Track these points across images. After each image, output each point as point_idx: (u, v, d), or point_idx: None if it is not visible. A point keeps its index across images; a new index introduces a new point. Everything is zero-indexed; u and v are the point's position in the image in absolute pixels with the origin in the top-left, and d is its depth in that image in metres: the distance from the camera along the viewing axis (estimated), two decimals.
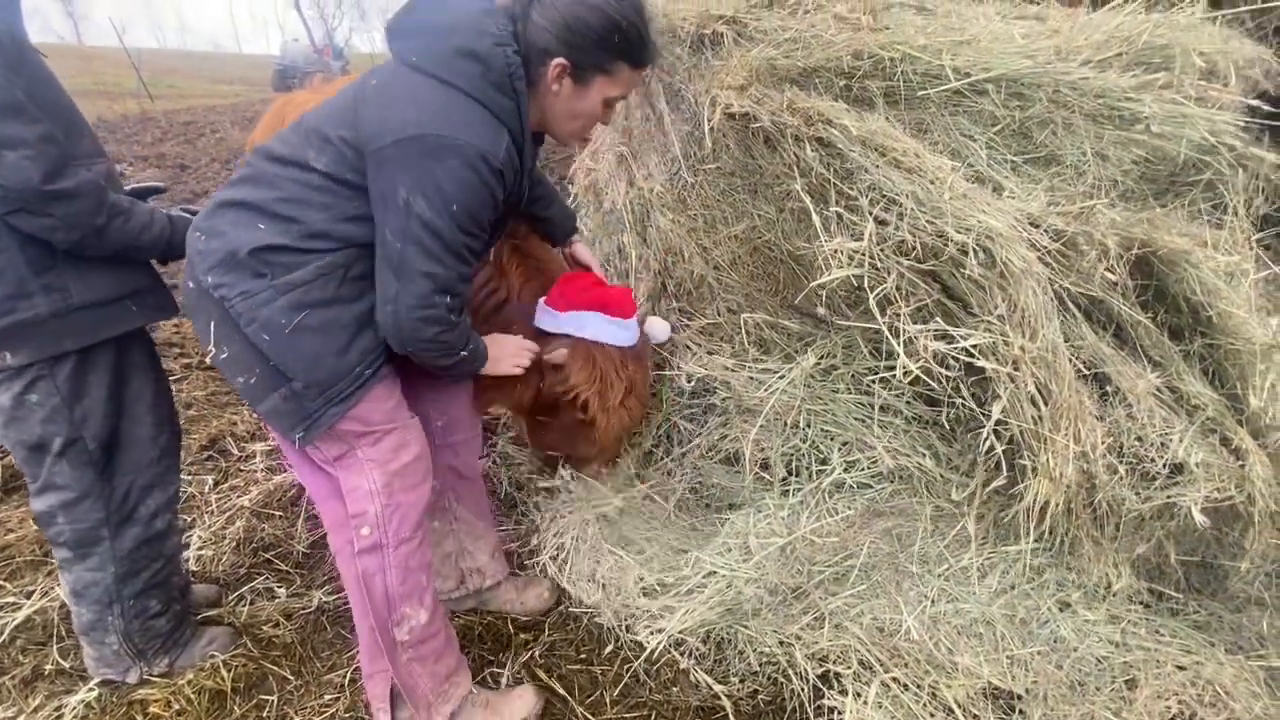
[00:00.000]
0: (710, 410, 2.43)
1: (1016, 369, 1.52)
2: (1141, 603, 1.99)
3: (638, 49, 1.36)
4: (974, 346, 1.52)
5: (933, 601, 2.00)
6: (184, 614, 1.89)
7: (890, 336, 1.55)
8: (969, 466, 2.05)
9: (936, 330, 1.55)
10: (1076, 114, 1.72)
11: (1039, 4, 2.39)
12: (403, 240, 1.26)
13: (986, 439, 1.54)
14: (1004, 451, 1.56)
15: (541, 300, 2.01)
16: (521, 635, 2.04)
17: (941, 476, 2.08)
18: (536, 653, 1.98)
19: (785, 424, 2.19)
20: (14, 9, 1.31)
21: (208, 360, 1.38)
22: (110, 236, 1.43)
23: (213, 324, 1.33)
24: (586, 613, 2.11)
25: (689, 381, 2.40)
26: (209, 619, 2.02)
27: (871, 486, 2.18)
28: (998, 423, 1.57)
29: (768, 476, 2.22)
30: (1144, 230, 1.69)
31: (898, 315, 1.59)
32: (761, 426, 2.23)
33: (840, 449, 2.18)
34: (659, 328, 2.28)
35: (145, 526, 1.71)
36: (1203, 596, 2.04)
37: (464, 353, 1.46)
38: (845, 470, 2.16)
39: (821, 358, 2.15)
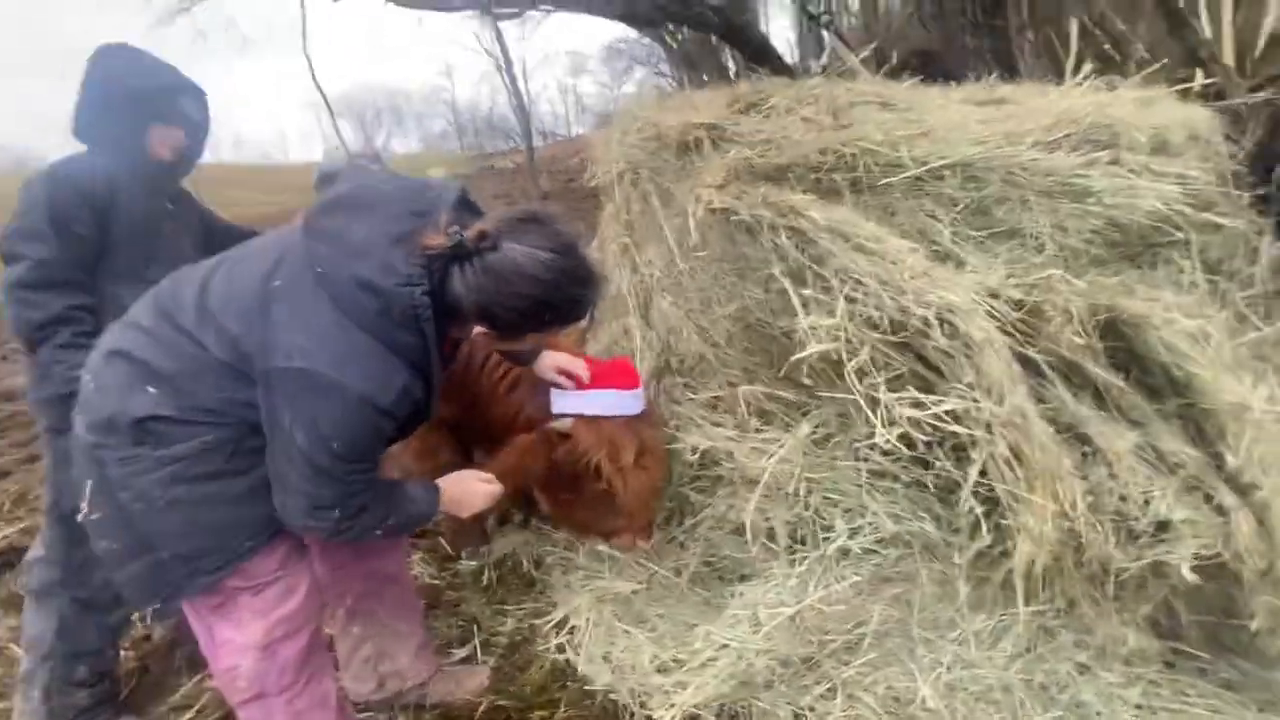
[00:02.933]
0: (718, 481, 2.53)
1: (989, 432, 1.62)
2: (1165, 662, 1.98)
3: (569, 313, 1.32)
4: (946, 412, 1.63)
5: (948, 668, 2.02)
6: (107, 696, 1.92)
7: (865, 405, 1.67)
8: (970, 530, 2.10)
9: (910, 398, 1.67)
10: (1030, 191, 1.89)
11: (1012, 84, 2.61)
12: (286, 461, 1.23)
13: (965, 501, 1.63)
14: (985, 513, 1.64)
15: (551, 389, 2.18)
16: (537, 713, 2.10)
17: (944, 540, 2.14)
18: None
19: (787, 493, 2.28)
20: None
21: (79, 518, 1.32)
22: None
23: (89, 484, 1.27)
24: (601, 690, 2.17)
25: (694, 453, 2.52)
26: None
27: (877, 552, 2.24)
28: (981, 485, 1.66)
29: (774, 546, 2.29)
30: (1108, 296, 1.80)
31: (875, 386, 1.71)
32: (765, 496, 2.32)
33: (843, 516, 2.25)
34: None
35: (93, 593, 1.82)
36: (1232, 654, 2.01)
37: (390, 522, 1.40)
38: (850, 537, 2.22)
39: (817, 426, 2.26)
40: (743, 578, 2.36)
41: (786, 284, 1.89)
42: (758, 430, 2.44)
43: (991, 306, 1.69)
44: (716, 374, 2.60)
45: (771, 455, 2.30)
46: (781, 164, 2.08)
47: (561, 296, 1.26)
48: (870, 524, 2.21)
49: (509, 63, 8.43)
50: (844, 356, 1.74)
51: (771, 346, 2.34)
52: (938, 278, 1.70)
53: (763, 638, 2.08)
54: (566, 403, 2.14)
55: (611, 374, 2.18)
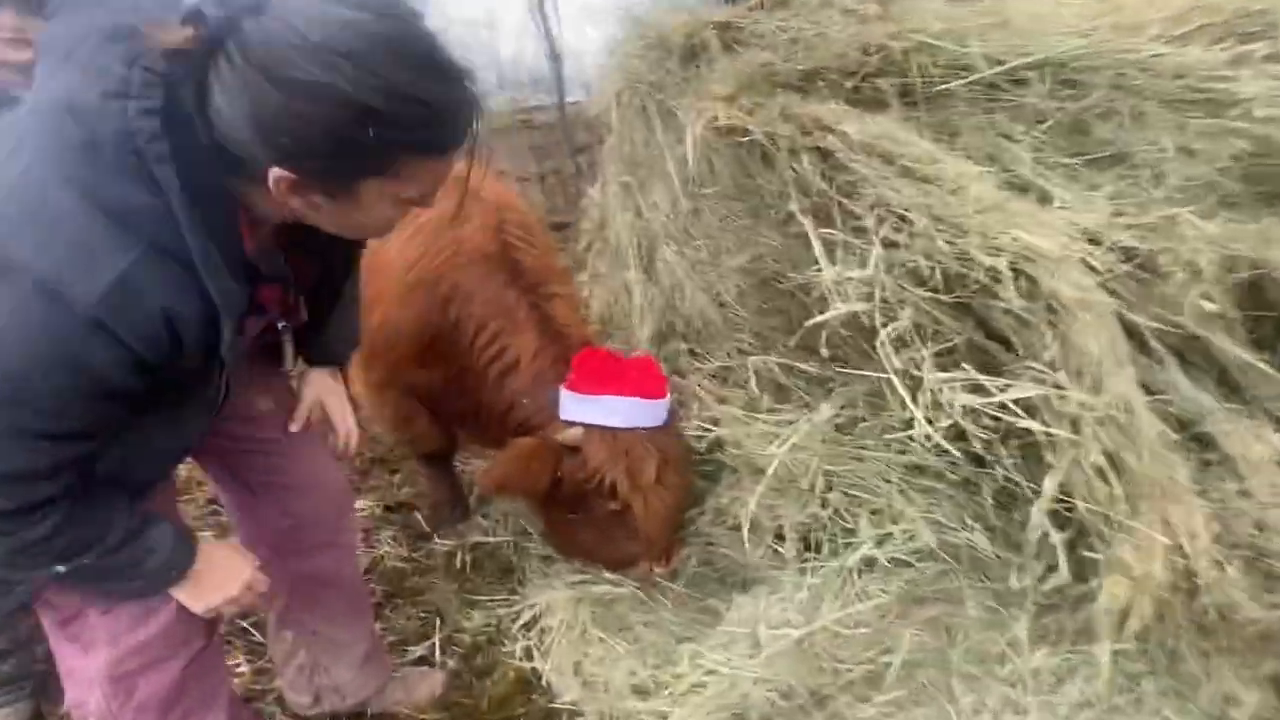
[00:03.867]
0: (722, 469, 2.12)
1: (1076, 431, 1.16)
2: None
3: (413, 127, 0.79)
4: (1016, 401, 1.17)
5: (995, 715, 1.60)
6: (21, 671, 1.82)
7: (903, 387, 1.22)
8: (1036, 548, 1.64)
9: (966, 380, 1.22)
10: (1147, 101, 1.36)
11: None
12: None
13: (1036, 526, 1.18)
14: (1066, 541, 1.19)
15: (562, 388, 1.80)
16: None
17: (998, 557, 1.69)
18: None
19: (802, 487, 1.85)
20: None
21: None
22: None
23: None
24: (567, 708, 1.82)
25: (699, 440, 2.11)
26: None
27: (911, 565, 1.81)
28: (1061, 501, 1.21)
29: (782, 551, 1.88)
30: (1253, 246, 1.29)
31: (918, 361, 1.26)
32: (774, 490, 1.90)
33: (870, 519, 1.82)
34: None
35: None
36: None
37: (91, 563, 0.95)
38: (877, 545, 1.79)
39: (841, 408, 1.81)
40: (745, 585, 1.96)
41: (806, 224, 1.43)
42: (770, 410, 2.01)
43: (1090, 255, 1.20)
44: (725, 340, 2.17)
45: (784, 440, 1.87)
46: (810, 69, 1.59)
47: (385, 89, 0.74)
48: (905, 531, 1.77)
49: (540, 3, 7.82)
50: (877, 321, 1.29)
51: (789, 306, 1.88)
52: (1015, 214, 1.22)
53: (762, 663, 1.70)
54: (578, 409, 1.77)
55: (633, 376, 1.80)
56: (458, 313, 1.93)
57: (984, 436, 1.24)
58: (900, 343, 1.30)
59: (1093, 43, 1.44)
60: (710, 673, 1.73)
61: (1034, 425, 1.18)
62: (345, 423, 1.44)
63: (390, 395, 2.20)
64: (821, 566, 1.82)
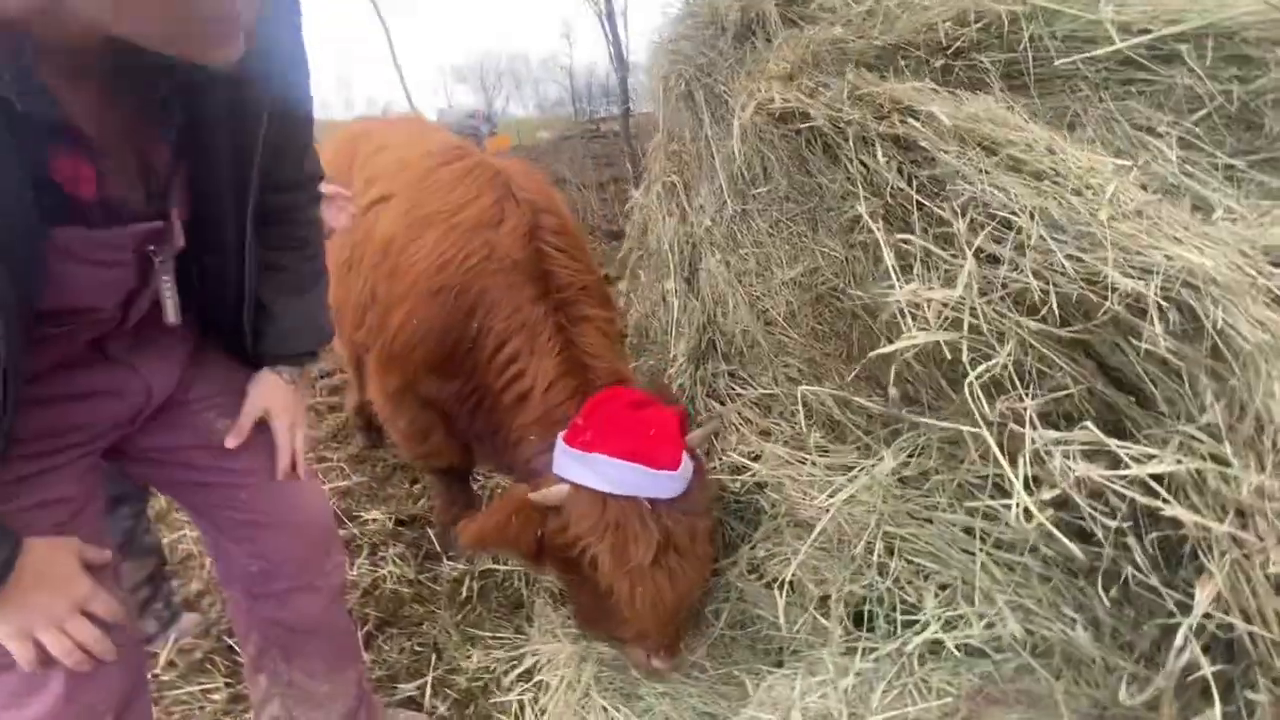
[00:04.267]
0: (760, 514, 1.82)
1: (1243, 523, 0.82)
2: None
3: None
4: (1158, 479, 0.85)
5: None
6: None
7: (994, 442, 0.91)
8: (1150, 649, 1.28)
9: (1088, 443, 0.89)
10: None
11: None
12: None
13: (1182, 648, 0.84)
14: (1215, 674, 0.85)
15: (561, 436, 1.55)
16: None
17: (1103, 660, 1.32)
18: None
19: (855, 551, 1.53)
20: None
21: None
22: None
23: None
24: None
25: (734, 479, 1.81)
26: None
27: (987, 655, 1.46)
28: (1211, 617, 0.87)
29: (826, 623, 1.56)
30: None
31: (1017, 412, 0.95)
32: (821, 548, 1.59)
33: (938, 595, 1.48)
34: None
35: None
36: None
37: None
38: (944, 628, 1.45)
39: (911, 456, 1.48)
40: (779, 658, 1.65)
41: (877, 230, 1.13)
42: (821, 451, 1.70)
43: (1272, 283, 0.86)
44: (772, 364, 1.87)
45: (836, 490, 1.55)
46: (889, 44, 1.29)
47: None
48: (980, 615, 1.43)
49: (610, 11, 7.76)
50: (965, 356, 0.97)
51: (850, 329, 1.57)
52: (1168, 224, 0.89)
53: None
54: (570, 465, 1.51)
55: (643, 436, 1.50)
56: (480, 323, 1.72)
57: (1107, 522, 0.90)
58: (995, 387, 0.98)
59: (1269, 7, 1.09)
60: None
61: (1183, 514, 0.84)
62: (286, 440, 1.20)
63: (406, 405, 2.01)
64: (874, 648, 1.50)
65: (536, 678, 1.77)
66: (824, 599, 1.57)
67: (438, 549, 2.45)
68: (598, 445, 1.48)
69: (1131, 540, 0.95)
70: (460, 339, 1.75)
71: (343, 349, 2.30)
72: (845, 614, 1.53)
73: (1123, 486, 0.89)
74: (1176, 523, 0.89)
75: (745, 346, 1.95)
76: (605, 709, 1.60)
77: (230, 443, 1.16)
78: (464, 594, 2.22)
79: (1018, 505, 0.91)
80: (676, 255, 2.17)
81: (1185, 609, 0.89)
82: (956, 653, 1.45)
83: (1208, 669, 0.86)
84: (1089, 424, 0.89)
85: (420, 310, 1.77)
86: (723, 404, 1.94)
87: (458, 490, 2.43)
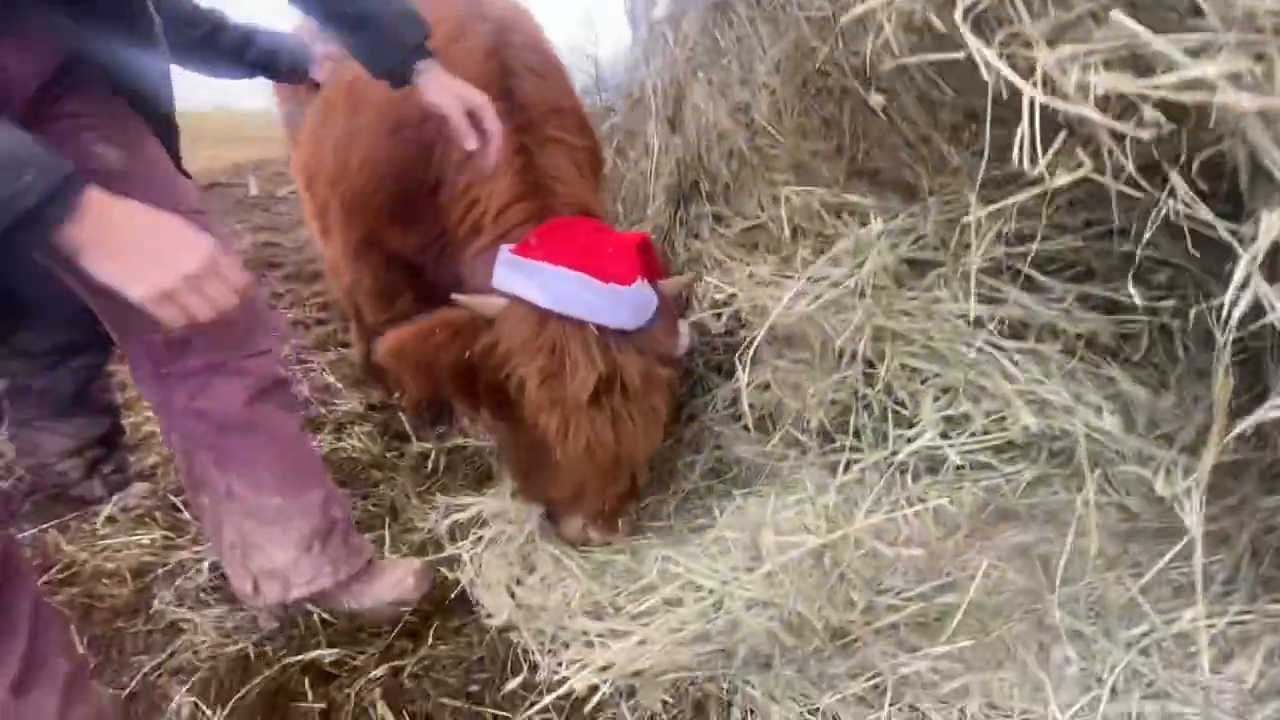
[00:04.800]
0: (740, 348, 1.61)
1: None
2: None
3: None
4: (1193, 81, 0.63)
5: (1114, 690, 1.05)
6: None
7: (1003, 67, 0.70)
8: (1200, 430, 1.04)
9: (1108, 47, 0.68)
10: None
11: None
12: None
13: (1244, 284, 0.62)
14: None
15: (505, 247, 1.34)
16: (384, 639, 1.34)
17: (1139, 452, 1.09)
18: (405, 670, 1.28)
19: (838, 349, 1.32)
20: None
21: None
22: None
23: None
24: (503, 627, 1.36)
25: (718, 316, 1.61)
26: None
27: (994, 467, 1.24)
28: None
29: (803, 438, 1.35)
30: None
31: (1025, 38, 0.74)
32: (800, 362, 1.38)
33: (936, 399, 1.27)
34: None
35: None
36: None
37: None
38: (944, 434, 1.23)
39: (904, 238, 1.27)
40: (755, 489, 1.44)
41: None
42: (805, 262, 1.49)
43: None
44: (758, 186, 1.67)
45: (816, 287, 1.34)
46: None
47: None
48: (989, 414, 1.21)
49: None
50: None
51: (840, 110, 1.37)
52: None
53: (761, 580, 1.18)
54: (511, 276, 1.31)
55: (598, 250, 1.30)
56: (440, 157, 1.54)
57: (1141, 133, 0.68)
58: (993, 19, 0.77)
59: None
60: (688, 586, 1.22)
61: (1246, 102, 0.62)
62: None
63: (372, 262, 1.83)
64: (859, 458, 1.28)
65: (481, 533, 1.59)
66: (800, 415, 1.35)
67: (407, 430, 2.29)
68: (542, 254, 1.29)
69: (1176, 176, 0.72)
70: (421, 180, 1.57)
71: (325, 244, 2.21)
72: (828, 423, 1.32)
73: (1150, 94, 0.67)
74: (1218, 150, 0.67)
75: (730, 178, 1.75)
76: (556, 557, 1.41)
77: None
78: (430, 468, 2.05)
79: (1028, 161, 0.70)
80: (659, 97, 1.98)
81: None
82: (960, 465, 1.23)
83: (1276, 313, 0.63)
84: (1117, 12, 0.67)
85: (380, 149, 1.60)
86: (703, 241, 1.74)
87: None
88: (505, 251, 1.33)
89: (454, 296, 1.28)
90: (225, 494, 1.31)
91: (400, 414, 2.40)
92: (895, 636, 1.17)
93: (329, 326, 3.30)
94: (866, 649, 1.16)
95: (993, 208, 0.87)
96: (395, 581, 1.39)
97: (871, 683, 1.12)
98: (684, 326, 1.46)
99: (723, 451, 1.58)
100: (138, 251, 0.85)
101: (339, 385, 2.66)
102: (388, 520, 1.79)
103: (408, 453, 2.16)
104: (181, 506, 1.82)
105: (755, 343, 1.28)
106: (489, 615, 1.35)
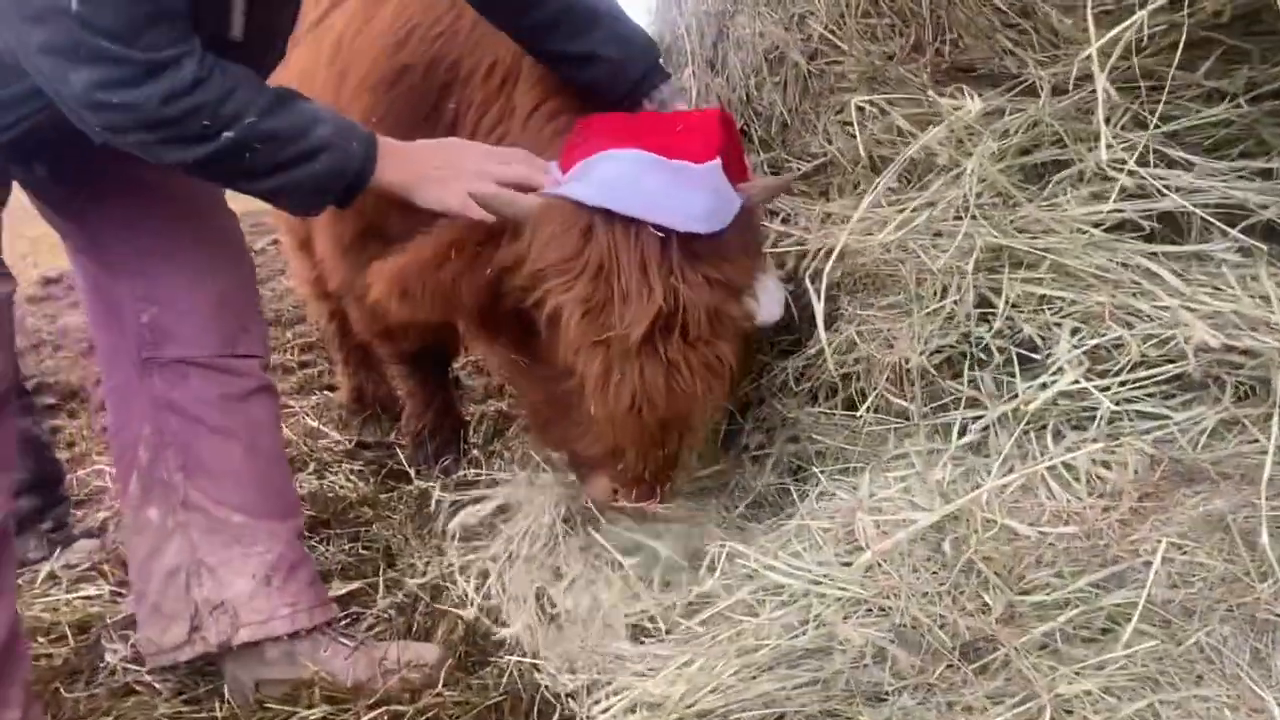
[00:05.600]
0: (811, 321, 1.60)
1: None
2: None
3: None
4: None
5: None
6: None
7: None
8: None
9: None
10: None
11: None
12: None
13: None
14: None
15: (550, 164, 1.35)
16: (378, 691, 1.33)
17: None
18: None
19: (938, 290, 1.30)
20: None
21: None
22: None
23: None
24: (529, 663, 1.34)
25: (786, 278, 1.61)
26: None
27: (1161, 415, 1.18)
28: None
29: (902, 402, 1.31)
30: None
31: None
32: (890, 307, 1.36)
33: (1075, 331, 1.23)
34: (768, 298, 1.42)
35: None
36: None
37: (263, 139, 1.13)
38: (1090, 374, 1.19)
39: (1012, 137, 1.26)
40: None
41: None
42: (894, 194, 1.49)
43: None
44: (820, 113, 1.70)
45: (904, 211, 1.33)
46: None
47: None
48: (1147, 339, 1.15)
49: None
50: None
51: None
52: None
53: (861, 574, 1.14)
54: (560, 174, 1.31)
55: (670, 130, 1.30)
56: (458, 101, 1.60)
57: None
58: None
59: None
60: (764, 590, 1.18)
61: None
62: None
63: (368, 258, 1.91)
64: (978, 418, 1.23)
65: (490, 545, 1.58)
66: (899, 371, 1.32)
67: (405, 467, 2.33)
68: (596, 143, 1.27)
69: None
70: (434, 131, 1.64)
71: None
72: (936, 376, 1.28)
73: None
74: None
75: (787, 112, 1.79)
76: (589, 555, 1.39)
77: None
78: (431, 506, 2.07)
79: None
80: (695, 37, 2.06)
81: None
82: (1115, 410, 1.17)
83: None
84: None
85: (380, 105, 1.69)
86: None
87: (434, 388, 2.33)
88: (552, 168, 1.32)
89: (471, 193, 1.24)
90: (182, 503, 1.38)
91: (399, 450, 2.46)
92: (1051, 647, 1.10)
93: (312, 369, 3.44)
94: (1012, 665, 1.09)
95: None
96: (368, 662, 1.40)
97: (1022, 710, 1.04)
98: (774, 284, 1.44)
99: (798, 441, 1.54)
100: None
101: (324, 429, 2.75)
102: (381, 566, 1.82)
103: (405, 493, 2.21)
104: None
105: (824, 278, 1.26)
106: (507, 648, 1.33)
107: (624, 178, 1.21)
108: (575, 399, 1.31)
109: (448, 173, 1.25)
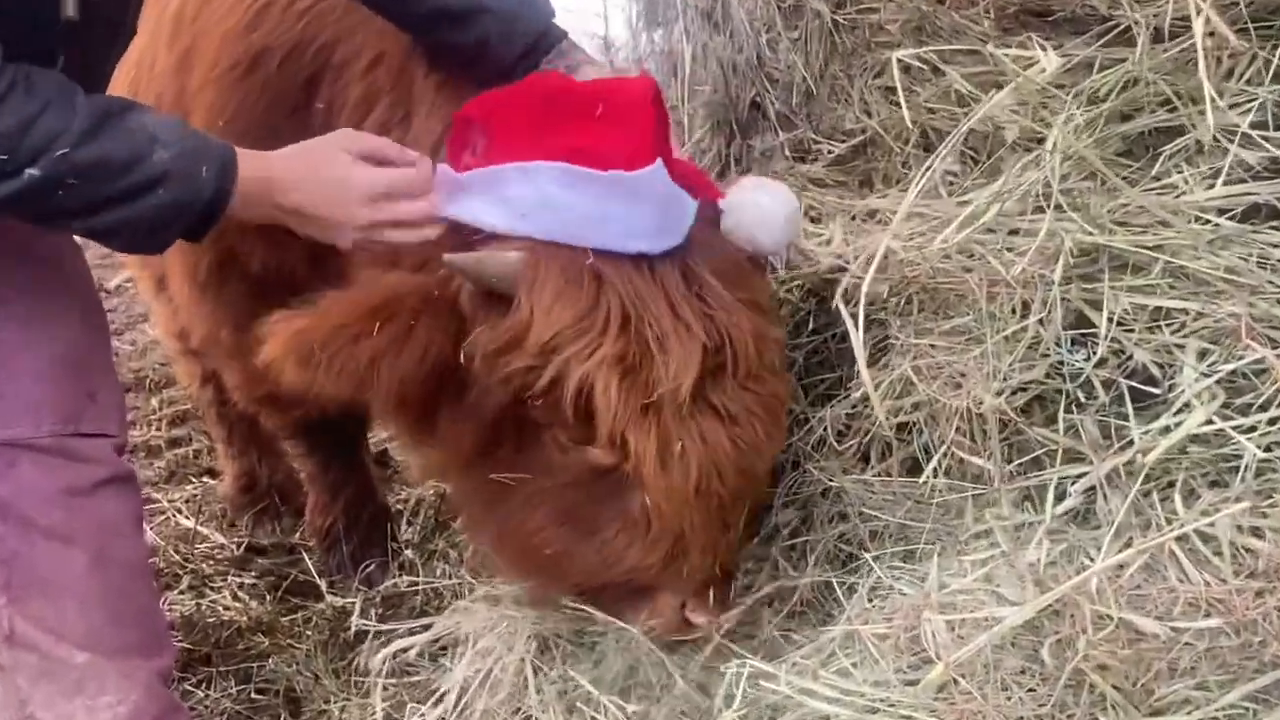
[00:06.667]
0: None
1: None
2: None
3: None
4: None
5: None
6: None
7: None
8: None
9: None
10: None
11: None
12: None
13: None
14: None
15: (440, 166, 1.47)
16: None
17: None
18: None
19: (1019, 310, 1.35)
20: None
21: None
22: None
23: None
24: None
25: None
26: None
27: None
28: None
29: (977, 460, 1.36)
30: None
31: None
32: (957, 333, 1.41)
33: (1203, 354, 1.28)
34: (767, 208, 1.48)
35: None
36: None
37: (87, 168, 1.22)
38: (1225, 408, 1.23)
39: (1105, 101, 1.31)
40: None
41: None
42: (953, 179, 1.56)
43: None
44: (855, 76, 1.79)
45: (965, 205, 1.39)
46: None
47: None
48: None
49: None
50: None
51: None
52: None
53: (932, 692, 1.17)
54: (468, 190, 1.43)
55: (588, 115, 1.40)
56: (330, 96, 1.73)
57: None
58: None
59: None
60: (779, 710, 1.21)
61: None
62: None
63: (227, 294, 1.99)
64: (1081, 475, 1.29)
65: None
66: (967, 417, 1.37)
67: (314, 578, 2.38)
68: (501, 150, 1.38)
69: None
70: (299, 135, 1.74)
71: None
72: (1020, 421, 1.32)
73: None
74: None
75: (812, 77, 1.87)
76: (567, 695, 1.41)
77: None
78: (349, 629, 2.11)
79: None
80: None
81: None
82: (1263, 455, 1.21)
83: None
84: None
85: (229, 101, 1.79)
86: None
87: (344, 469, 2.39)
88: (442, 169, 1.43)
89: (446, 258, 1.35)
90: (6, 638, 1.42)
91: (304, 554, 2.50)
92: None
93: (185, 449, 3.50)
94: None
95: None
96: None
97: None
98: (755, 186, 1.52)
99: (846, 519, 1.58)
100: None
101: (203, 529, 2.80)
102: (283, 715, 1.86)
103: (314, 614, 2.25)
104: None
105: (862, 295, 1.31)
106: None
107: (544, 200, 1.34)
108: (608, 504, 1.40)
109: (333, 195, 1.38)
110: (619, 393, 1.29)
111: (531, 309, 1.32)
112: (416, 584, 2.15)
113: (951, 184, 1.52)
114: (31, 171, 1.16)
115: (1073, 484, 1.31)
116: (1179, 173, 1.36)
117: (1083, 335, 1.36)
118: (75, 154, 1.18)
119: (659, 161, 1.34)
